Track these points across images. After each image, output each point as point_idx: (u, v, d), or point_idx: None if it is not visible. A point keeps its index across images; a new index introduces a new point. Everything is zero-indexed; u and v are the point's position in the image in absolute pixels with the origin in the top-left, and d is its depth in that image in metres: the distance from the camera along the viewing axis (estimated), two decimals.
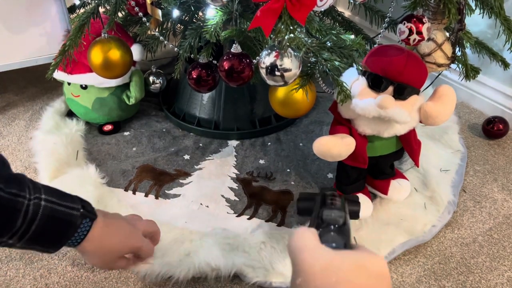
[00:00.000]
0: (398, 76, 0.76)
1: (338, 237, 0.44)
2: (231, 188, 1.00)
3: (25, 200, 0.56)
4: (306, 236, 0.42)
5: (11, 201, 0.54)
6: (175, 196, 0.98)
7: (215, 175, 1.04)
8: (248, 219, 0.92)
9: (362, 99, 0.77)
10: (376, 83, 0.77)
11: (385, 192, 0.94)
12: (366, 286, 0.37)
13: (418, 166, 0.91)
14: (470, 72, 0.90)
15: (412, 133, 0.84)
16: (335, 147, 0.79)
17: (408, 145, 0.86)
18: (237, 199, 0.97)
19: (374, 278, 0.38)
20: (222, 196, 0.98)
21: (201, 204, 0.96)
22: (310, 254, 0.40)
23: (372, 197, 0.95)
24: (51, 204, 0.59)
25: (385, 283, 0.39)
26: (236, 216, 0.93)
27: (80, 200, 0.64)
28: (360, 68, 0.80)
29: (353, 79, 0.80)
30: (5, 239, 0.56)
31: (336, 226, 0.46)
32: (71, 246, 0.64)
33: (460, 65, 0.89)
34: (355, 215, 0.64)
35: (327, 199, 0.52)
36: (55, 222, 0.59)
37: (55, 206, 0.59)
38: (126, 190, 1.00)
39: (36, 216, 0.57)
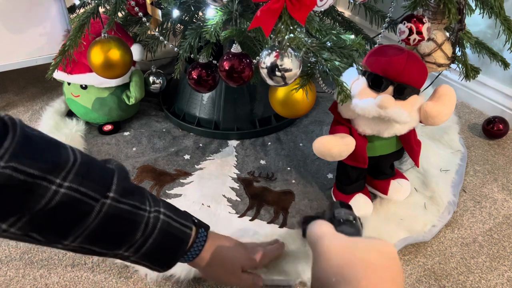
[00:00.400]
0: (398, 76, 0.76)
1: (351, 229, 0.49)
2: (232, 188, 1.00)
3: (145, 212, 0.56)
4: (324, 226, 0.48)
5: (132, 213, 0.55)
6: (176, 196, 0.98)
7: (216, 175, 1.04)
8: (250, 220, 0.92)
9: (362, 99, 0.77)
10: (376, 83, 0.77)
11: (385, 192, 0.94)
12: (378, 265, 0.41)
13: (418, 166, 0.91)
14: (470, 72, 0.90)
15: (412, 133, 0.84)
16: (335, 147, 0.79)
17: (408, 145, 0.86)
18: (238, 199, 0.97)
19: (385, 258, 0.42)
20: (224, 196, 0.98)
21: (202, 204, 0.96)
22: (328, 239, 0.45)
23: (372, 197, 0.95)
24: (168, 218, 0.59)
25: (395, 264, 0.42)
26: (238, 217, 0.93)
27: (191, 216, 0.65)
28: (360, 68, 0.80)
29: (353, 79, 0.80)
30: (122, 251, 0.57)
31: (348, 221, 0.50)
32: (187, 260, 0.64)
33: (460, 65, 0.89)
34: None
35: (335, 203, 0.57)
36: (170, 238, 0.59)
37: (171, 221, 0.60)
38: None
39: (154, 229, 0.57)
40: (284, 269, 0.80)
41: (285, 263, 0.80)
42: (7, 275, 0.82)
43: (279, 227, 0.91)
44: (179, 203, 0.95)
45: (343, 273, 0.40)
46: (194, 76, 0.86)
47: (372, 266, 0.40)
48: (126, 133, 1.18)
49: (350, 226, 0.49)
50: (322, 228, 0.47)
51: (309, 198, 0.97)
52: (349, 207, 0.57)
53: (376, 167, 0.92)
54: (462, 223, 0.92)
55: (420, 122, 0.82)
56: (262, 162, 1.08)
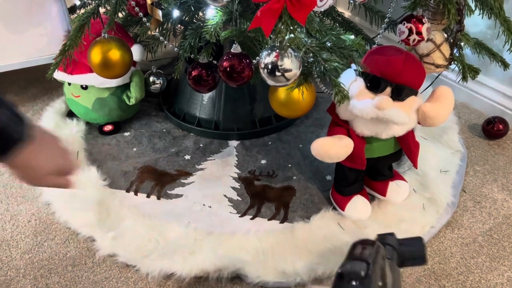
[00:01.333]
0: (396, 77, 0.76)
1: None
2: (234, 188, 1.00)
3: None
4: None
5: None
6: (177, 196, 0.98)
7: (217, 175, 1.04)
8: (251, 219, 0.92)
9: (360, 100, 0.77)
10: (374, 84, 0.77)
11: (384, 194, 0.94)
12: None
13: (416, 168, 0.90)
14: (470, 73, 0.90)
15: (410, 134, 0.84)
16: (332, 148, 0.79)
17: (406, 146, 0.86)
18: (239, 198, 0.98)
19: None
20: (225, 196, 0.98)
21: (203, 204, 0.96)
22: None
23: (370, 198, 0.95)
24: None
25: None
26: (239, 216, 0.93)
27: (12, 111, 0.56)
28: (360, 68, 0.80)
29: (351, 80, 0.80)
30: None
31: (357, 281, 0.41)
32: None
33: (458, 66, 0.90)
34: (419, 259, 0.54)
35: (356, 248, 0.47)
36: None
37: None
38: (127, 191, 1.00)
39: None
40: (284, 271, 0.80)
41: (285, 265, 0.81)
42: (7, 275, 0.82)
43: (280, 222, 0.91)
44: (181, 204, 0.96)
45: None
46: (194, 76, 0.86)
47: None
48: (126, 134, 1.18)
49: None
50: None
51: (310, 193, 0.98)
52: (372, 246, 0.47)
53: (374, 168, 0.92)
54: (462, 223, 0.93)
55: (418, 123, 0.82)
56: (263, 162, 1.08)
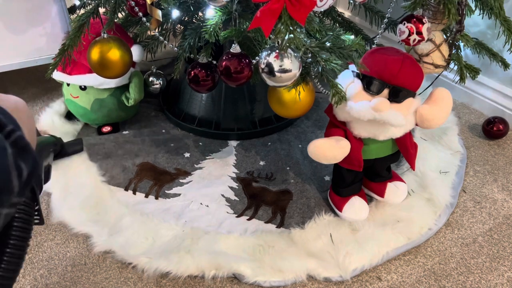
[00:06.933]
0: (393, 79, 0.76)
1: None
2: (231, 188, 1.00)
3: None
4: None
5: None
6: (175, 195, 0.98)
7: (215, 175, 1.04)
8: (248, 219, 0.92)
9: (357, 102, 0.76)
10: (371, 86, 0.77)
11: (382, 195, 0.94)
12: None
13: (414, 169, 0.90)
14: (470, 73, 0.90)
15: (408, 136, 0.84)
16: (329, 150, 0.79)
17: (404, 148, 0.85)
18: (237, 198, 0.97)
19: None
20: (222, 195, 0.98)
21: (201, 203, 0.96)
22: None
23: (368, 199, 0.95)
24: None
25: None
26: (236, 217, 0.93)
27: None
28: (358, 68, 0.80)
29: (348, 82, 0.80)
30: None
31: None
32: None
33: (457, 66, 0.89)
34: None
35: None
36: None
37: None
38: (126, 189, 1.00)
39: None
40: (281, 271, 0.80)
41: (282, 266, 0.80)
42: None
43: (277, 227, 0.91)
44: (179, 203, 0.96)
45: None
46: (194, 76, 0.86)
47: None
48: (125, 134, 1.18)
49: None
50: None
51: (307, 197, 0.97)
52: None
53: (372, 169, 0.92)
54: (462, 223, 0.92)
55: (416, 125, 0.82)
56: (262, 162, 1.08)
